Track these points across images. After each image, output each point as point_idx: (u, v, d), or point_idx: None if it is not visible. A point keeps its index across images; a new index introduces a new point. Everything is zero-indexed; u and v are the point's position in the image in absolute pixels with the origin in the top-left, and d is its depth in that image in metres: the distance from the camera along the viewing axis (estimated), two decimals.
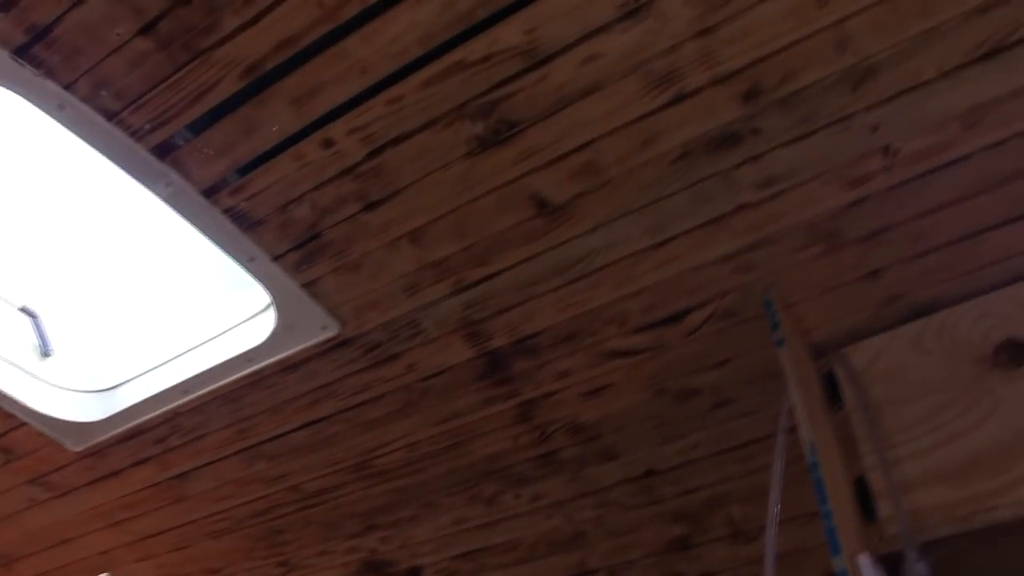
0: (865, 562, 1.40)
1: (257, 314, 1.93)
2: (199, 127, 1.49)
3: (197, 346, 2.05)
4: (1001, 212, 1.58)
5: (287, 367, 1.92)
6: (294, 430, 2.08)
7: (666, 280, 1.69)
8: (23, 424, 2.18)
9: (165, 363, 2.10)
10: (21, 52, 1.39)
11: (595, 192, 1.56)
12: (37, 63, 1.40)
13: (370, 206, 1.61)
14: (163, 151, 1.53)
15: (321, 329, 1.81)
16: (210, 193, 1.59)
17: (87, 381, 2.21)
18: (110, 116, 1.47)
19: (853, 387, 1.67)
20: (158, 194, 1.59)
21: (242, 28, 1.35)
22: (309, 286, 1.74)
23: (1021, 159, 1.49)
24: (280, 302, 1.79)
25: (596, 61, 1.38)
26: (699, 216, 1.59)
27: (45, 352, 2.22)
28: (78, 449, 2.21)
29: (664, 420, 1.94)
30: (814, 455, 1.42)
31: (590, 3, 1.31)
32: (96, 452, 2.22)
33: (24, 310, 2.23)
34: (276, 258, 1.69)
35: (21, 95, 1.46)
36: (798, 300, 1.70)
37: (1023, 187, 1.54)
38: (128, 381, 2.16)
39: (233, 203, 1.61)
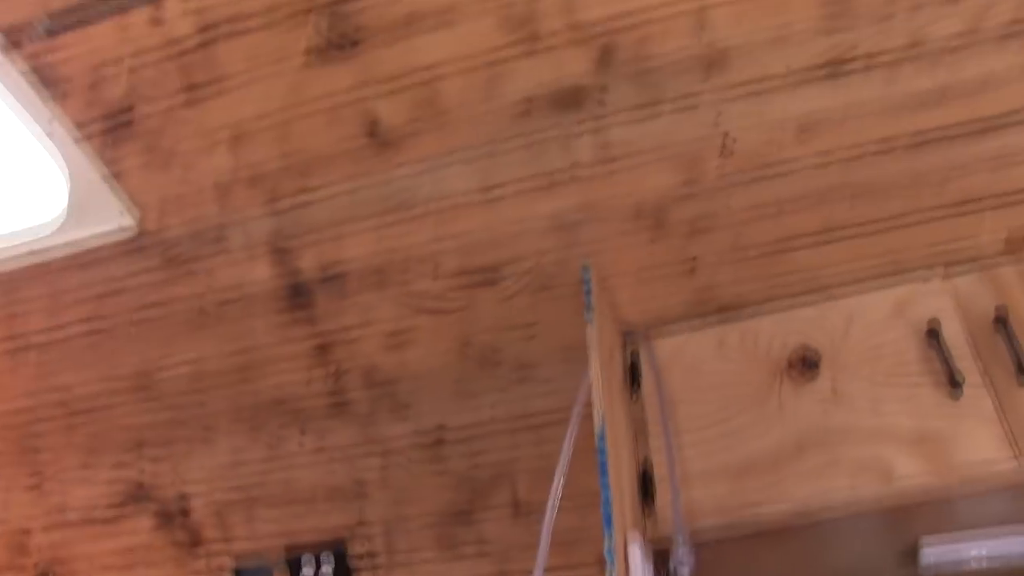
0: (635, 547, 1.40)
1: (48, 193, 1.76)
2: None
3: None
4: (815, 227, 1.63)
5: (74, 259, 1.76)
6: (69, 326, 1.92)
7: (487, 231, 1.64)
8: None
9: None
10: None
11: (431, 128, 1.50)
12: None
13: (192, 100, 1.49)
14: None
15: (118, 216, 1.65)
16: (12, 36, 1.43)
17: None
18: None
19: (653, 376, 1.68)
20: None
21: None
22: (111, 170, 1.59)
23: (841, 178, 1.54)
24: (76, 182, 1.62)
25: None
26: (531, 171, 1.55)
27: None
28: None
29: (462, 379, 1.90)
30: (602, 432, 1.41)
31: None
32: None
33: None
34: (79, 128, 1.54)
35: None
36: (614, 277, 1.69)
37: (838, 210, 1.59)
38: None
39: (38, 58, 1.45)
